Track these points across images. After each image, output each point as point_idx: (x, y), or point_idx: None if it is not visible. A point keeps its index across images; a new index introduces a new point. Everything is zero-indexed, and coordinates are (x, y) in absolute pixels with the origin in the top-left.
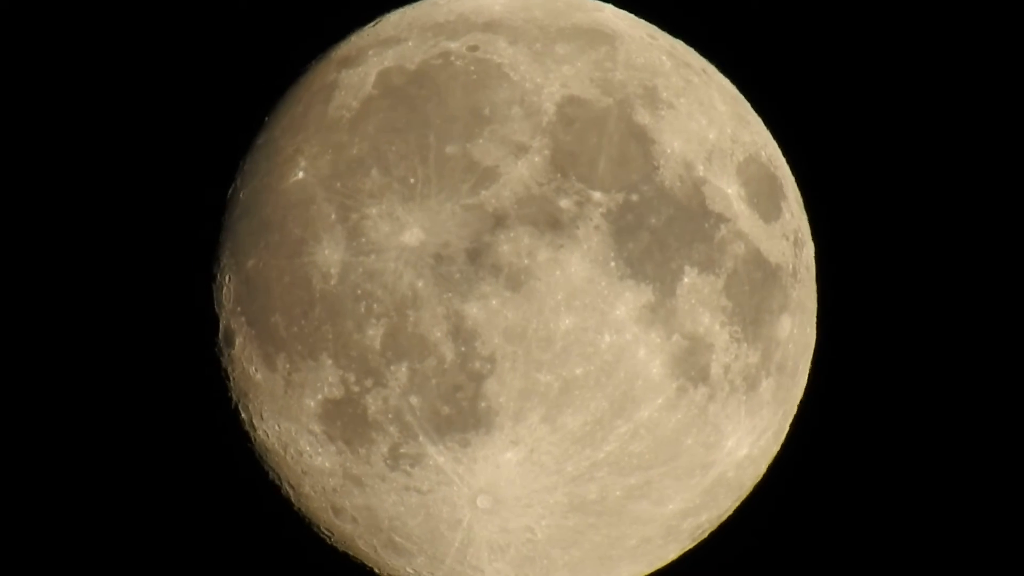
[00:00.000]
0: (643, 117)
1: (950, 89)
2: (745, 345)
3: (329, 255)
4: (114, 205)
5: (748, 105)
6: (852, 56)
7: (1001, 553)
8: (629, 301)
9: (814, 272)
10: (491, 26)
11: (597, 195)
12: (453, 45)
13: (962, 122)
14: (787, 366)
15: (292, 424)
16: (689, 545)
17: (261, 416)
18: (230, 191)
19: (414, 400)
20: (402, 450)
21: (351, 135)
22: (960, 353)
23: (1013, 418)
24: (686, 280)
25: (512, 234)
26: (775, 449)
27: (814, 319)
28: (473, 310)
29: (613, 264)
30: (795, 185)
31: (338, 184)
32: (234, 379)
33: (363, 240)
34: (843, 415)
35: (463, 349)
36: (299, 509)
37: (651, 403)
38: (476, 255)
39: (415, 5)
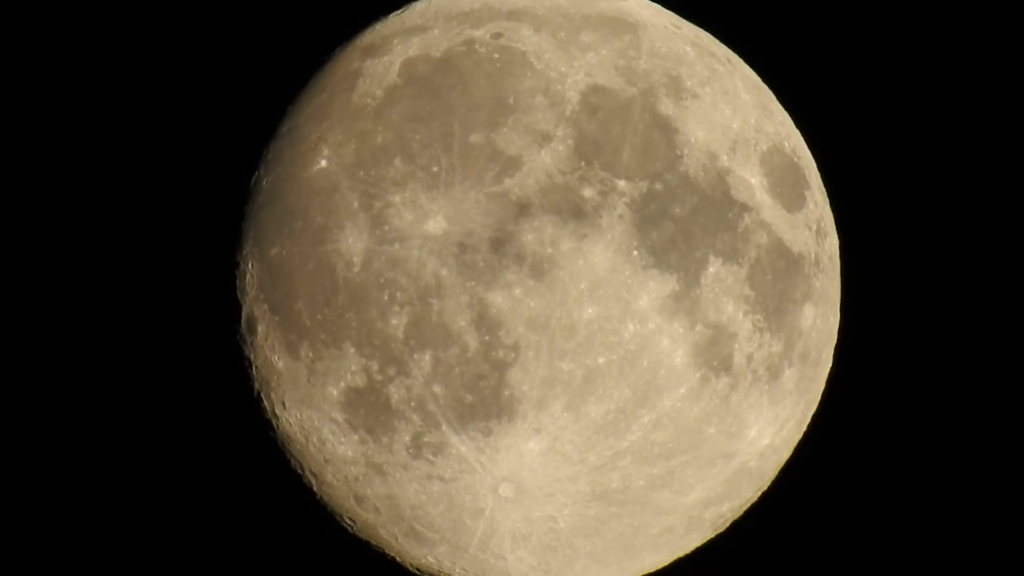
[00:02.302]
0: (667, 106)
1: (975, 79)
2: (768, 334)
3: (352, 243)
4: (137, 194)
5: (772, 95)
6: (875, 46)
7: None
8: (653, 290)
9: (837, 261)
10: (515, 14)
11: (621, 184)
12: (477, 33)
13: (987, 112)
14: (810, 355)
15: (315, 413)
16: (711, 535)
17: (283, 405)
18: (253, 179)
19: (437, 389)
20: (425, 439)
21: (375, 123)
22: (983, 342)
23: None
24: (710, 269)
25: (536, 223)
26: (797, 438)
27: (837, 308)
28: (497, 299)
29: (636, 253)
30: (818, 175)
31: (362, 172)
32: (256, 367)
33: (386, 228)
34: (866, 404)
35: (487, 338)
36: (321, 498)
37: (674, 392)
38: (500, 244)
39: None
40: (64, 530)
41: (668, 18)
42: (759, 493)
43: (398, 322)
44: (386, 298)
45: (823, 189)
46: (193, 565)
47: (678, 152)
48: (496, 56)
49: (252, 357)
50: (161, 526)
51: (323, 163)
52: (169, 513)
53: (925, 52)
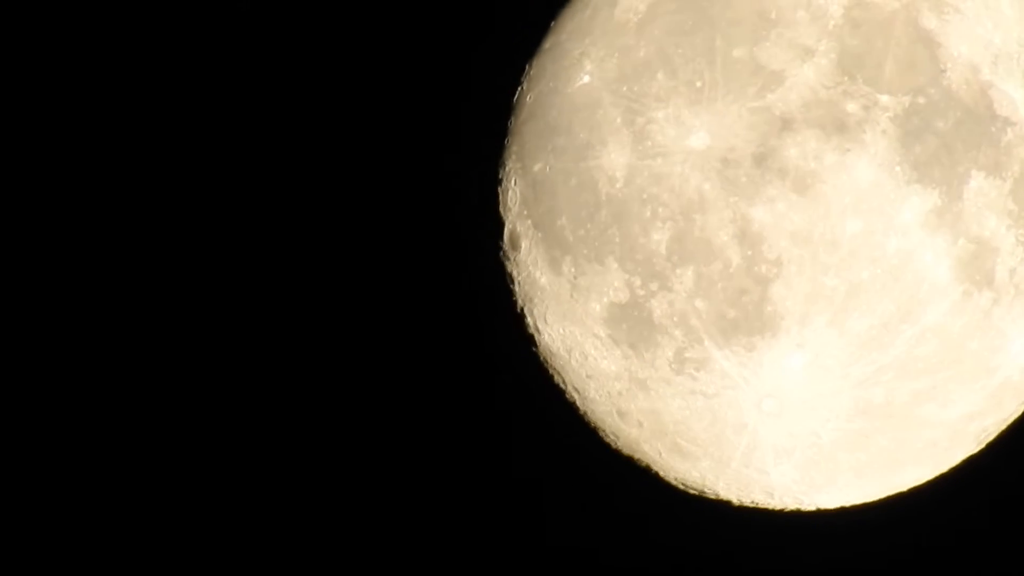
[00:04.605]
0: (929, 21)
1: None
2: None
3: (615, 158)
4: (402, 111)
5: None
6: None
7: None
8: (915, 205)
9: None
10: None
11: (884, 99)
12: None
13: None
14: None
15: (577, 328)
16: (975, 449)
17: (546, 320)
18: (516, 95)
19: (700, 304)
20: (687, 354)
21: (637, 38)
22: None
23: None
24: (972, 184)
25: (799, 138)
26: None
27: None
28: (759, 213)
29: (899, 168)
30: None
31: (624, 88)
32: (519, 283)
33: (649, 144)
34: None
35: (749, 253)
36: (584, 413)
37: (937, 307)
38: (763, 159)
39: None
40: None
41: None
42: (1023, 407)
43: (660, 237)
44: (648, 213)
45: None
46: (455, 480)
47: (941, 67)
48: None
49: (515, 273)
50: (423, 442)
51: (586, 79)
52: (432, 428)
53: None
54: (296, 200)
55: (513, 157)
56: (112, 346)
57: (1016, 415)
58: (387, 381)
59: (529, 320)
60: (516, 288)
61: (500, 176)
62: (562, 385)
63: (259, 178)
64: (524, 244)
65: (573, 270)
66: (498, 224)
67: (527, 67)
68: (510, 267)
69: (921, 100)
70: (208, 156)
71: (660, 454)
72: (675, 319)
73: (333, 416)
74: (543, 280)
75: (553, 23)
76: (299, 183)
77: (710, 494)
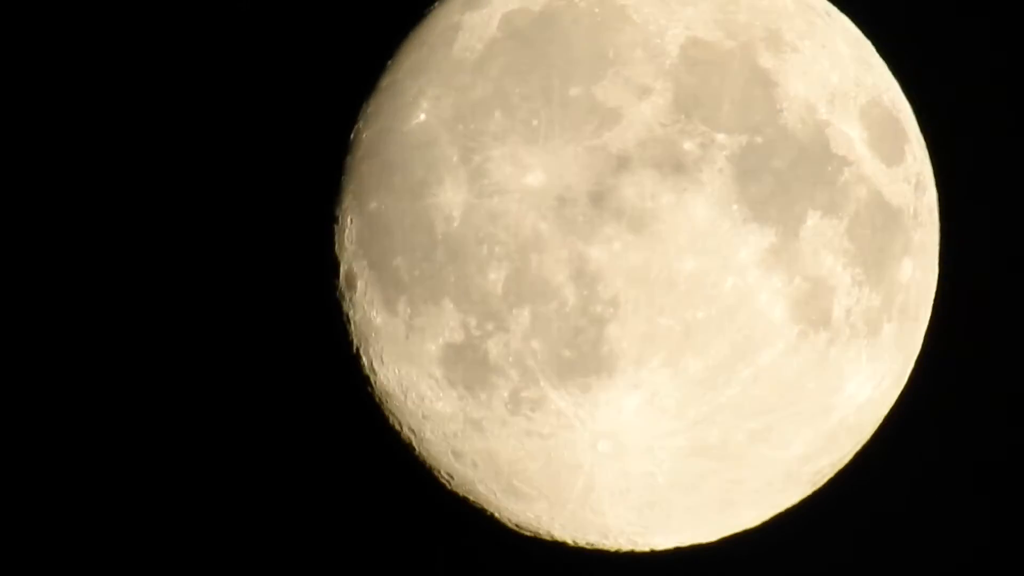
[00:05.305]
0: (766, 60)
1: None
2: (867, 288)
3: (452, 197)
4: (235, 147)
5: (872, 48)
6: None
7: None
8: (752, 244)
9: (936, 215)
10: None
11: (720, 137)
12: None
13: None
14: (909, 310)
15: (413, 368)
16: (810, 491)
17: (382, 360)
18: (353, 133)
19: (536, 344)
20: (523, 394)
21: (474, 77)
22: None
23: None
24: (809, 223)
25: (635, 177)
26: (896, 394)
27: (936, 263)
28: (596, 253)
29: (736, 207)
30: (917, 128)
31: (461, 126)
32: (354, 323)
33: (486, 182)
34: (964, 359)
35: (585, 292)
36: (419, 454)
37: (772, 347)
38: (599, 198)
39: None
40: (159, 487)
41: None
42: (857, 448)
43: (497, 277)
44: (485, 252)
45: (922, 142)
46: (292, 523)
47: (777, 106)
48: (596, 10)
49: (350, 313)
50: (259, 484)
51: (422, 117)
52: (268, 470)
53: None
54: (119, 235)
55: (349, 195)
56: None
57: (851, 456)
58: (216, 422)
59: (364, 361)
60: (351, 328)
61: (336, 214)
62: (397, 427)
63: (83, 208)
64: (359, 284)
65: (408, 310)
66: (333, 264)
67: (364, 104)
68: (345, 307)
69: (758, 139)
70: None
71: (495, 495)
72: (511, 359)
73: (164, 462)
74: (378, 320)
75: (390, 61)
76: (121, 220)
77: (545, 535)
